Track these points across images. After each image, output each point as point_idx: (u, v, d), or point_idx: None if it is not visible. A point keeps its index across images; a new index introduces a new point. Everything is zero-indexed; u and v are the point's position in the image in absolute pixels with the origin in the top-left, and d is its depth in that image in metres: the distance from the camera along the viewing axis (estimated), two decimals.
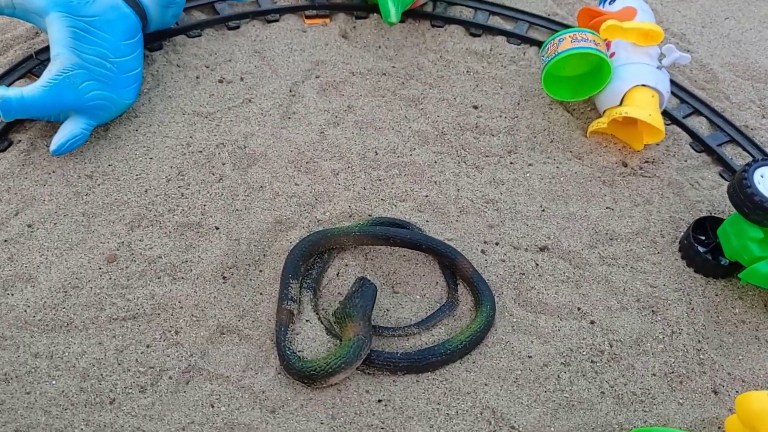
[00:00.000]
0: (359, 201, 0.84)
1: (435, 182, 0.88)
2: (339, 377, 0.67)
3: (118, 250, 0.76)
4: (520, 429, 0.67)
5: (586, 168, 0.92)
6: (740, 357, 0.76)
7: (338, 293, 0.76)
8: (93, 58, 0.83)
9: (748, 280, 0.76)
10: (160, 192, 0.82)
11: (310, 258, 0.77)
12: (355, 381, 0.69)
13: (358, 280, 0.73)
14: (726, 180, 0.94)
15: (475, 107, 0.98)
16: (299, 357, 0.68)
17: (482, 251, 0.81)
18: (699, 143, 0.98)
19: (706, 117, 1.02)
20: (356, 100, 0.96)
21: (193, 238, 0.78)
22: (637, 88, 0.92)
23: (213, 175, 0.85)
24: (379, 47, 1.05)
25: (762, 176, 0.75)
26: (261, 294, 0.75)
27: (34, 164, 0.83)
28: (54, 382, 0.66)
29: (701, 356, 0.75)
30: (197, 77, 0.96)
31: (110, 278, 0.74)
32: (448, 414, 0.68)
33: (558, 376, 0.72)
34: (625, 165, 0.94)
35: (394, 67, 1.02)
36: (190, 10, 1.04)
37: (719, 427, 0.69)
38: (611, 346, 0.75)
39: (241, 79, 0.97)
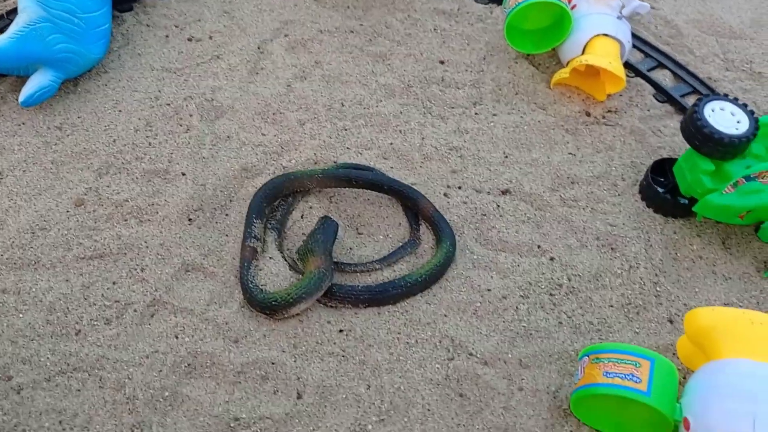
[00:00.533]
0: (325, 149, 0.86)
1: (400, 131, 0.90)
2: (300, 307, 0.68)
3: (85, 195, 0.78)
4: (478, 355, 0.69)
5: (549, 117, 0.94)
6: (697, 289, 0.78)
7: (302, 234, 0.77)
8: (60, 12, 0.84)
9: (702, 213, 0.78)
10: (128, 142, 0.83)
11: (275, 200, 0.79)
12: (317, 312, 0.70)
13: (320, 219, 0.75)
14: None
15: (442, 62, 1.00)
16: (261, 289, 0.69)
17: (445, 194, 0.83)
18: (662, 94, 1.00)
19: (670, 70, 1.04)
20: (324, 56, 0.98)
21: (160, 184, 0.80)
22: (598, 37, 0.94)
23: (180, 126, 0.86)
24: (348, 7, 1.06)
25: (713, 110, 0.77)
26: (226, 236, 0.76)
27: (4, 116, 0.84)
28: (21, 315, 0.67)
29: (658, 289, 0.77)
30: (166, 36, 0.98)
31: (78, 221, 0.75)
32: (407, 343, 0.69)
33: (516, 308, 0.73)
34: (588, 114, 0.95)
35: (362, 25, 1.03)
36: None
37: (674, 353, 0.71)
38: (570, 281, 0.76)
39: (210, 37, 0.98)
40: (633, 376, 0.60)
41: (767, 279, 0.78)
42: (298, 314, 0.69)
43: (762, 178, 0.74)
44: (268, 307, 0.68)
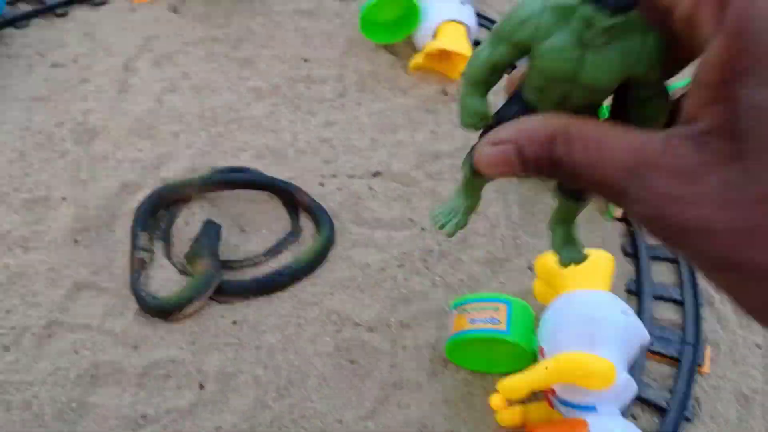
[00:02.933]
0: (201, 156, 0.90)
1: (272, 131, 0.95)
2: (193, 307, 0.73)
3: None
4: (363, 324, 0.76)
5: (410, 100, 1.02)
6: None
7: (188, 239, 0.82)
8: None
9: None
10: (3, 174, 0.85)
11: (157, 211, 0.83)
12: (210, 309, 0.76)
13: (203, 223, 0.80)
14: None
15: (306, 60, 1.06)
16: (153, 296, 0.74)
17: (320, 184, 0.90)
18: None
19: None
20: (191, 67, 1.02)
21: (41, 211, 0.82)
22: (446, 23, 1.03)
23: (55, 152, 0.88)
24: (210, 17, 1.10)
25: None
26: (114, 251, 0.80)
27: None
28: None
29: (517, 242, 0.86)
30: (29, 65, 0.99)
31: None
32: (298, 323, 0.76)
33: (394, 277, 0.81)
34: (446, 93, 1.04)
35: (225, 33, 1.08)
36: (15, 2, 1.06)
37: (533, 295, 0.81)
38: (440, 245, 0.85)
39: (75, 61, 1.00)
40: (493, 319, 0.69)
41: (608, 220, 0.90)
42: (192, 314, 0.74)
43: None
44: (162, 310, 0.73)
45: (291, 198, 0.86)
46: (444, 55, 1.05)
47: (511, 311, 0.69)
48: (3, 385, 0.67)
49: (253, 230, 0.85)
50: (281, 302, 0.77)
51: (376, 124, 0.98)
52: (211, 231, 0.79)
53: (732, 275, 0.22)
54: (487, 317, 0.69)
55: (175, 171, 0.88)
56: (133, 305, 0.75)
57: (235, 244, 0.82)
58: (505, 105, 0.31)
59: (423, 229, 0.86)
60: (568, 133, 0.25)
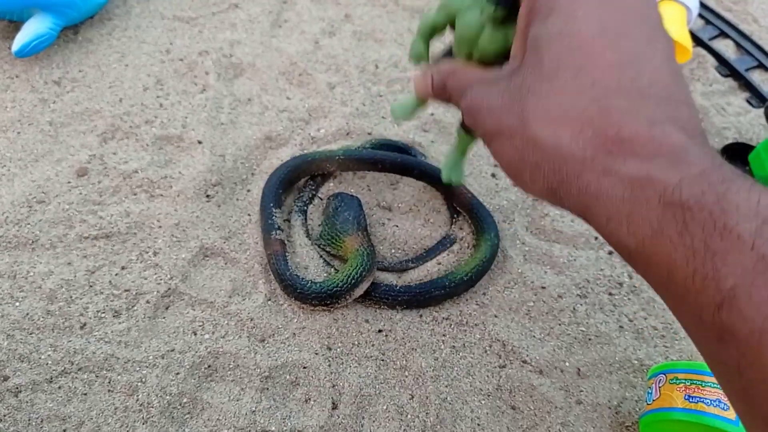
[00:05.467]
0: (357, 118, 0.76)
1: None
2: (362, 288, 0.60)
3: (89, 163, 0.68)
4: (533, 363, 0.61)
5: None
6: None
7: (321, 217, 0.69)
8: None
9: None
10: (136, 102, 0.74)
11: (292, 185, 0.69)
12: (353, 310, 0.63)
13: (333, 197, 0.66)
14: (754, 107, 0.86)
15: None
16: (311, 281, 0.61)
17: (492, 174, 0.74)
18: (725, 67, 0.91)
19: (732, 39, 0.94)
20: (354, 8, 0.87)
21: (173, 152, 0.70)
22: (665, 2, 0.84)
23: (195, 85, 0.76)
24: None
25: None
26: (249, 215, 0.68)
27: None
28: (18, 304, 0.59)
29: None
30: None
31: (80, 193, 0.66)
32: (453, 346, 0.62)
33: (573, 309, 0.66)
34: None
35: None
36: None
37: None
38: (630, 278, 0.69)
39: None
40: (720, 402, 0.53)
41: None
42: (332, 311, 0.61)
43: None
44: (329, 296, 0.60)
45: (446, 190, 0.71)
46: None
47: None
48: (109, 360, 0.57)
49: (399, 217, 0.70)
50: (434, 317, 0.63)
51: None
52: (351, 203, 0.65)
53: (498, 139, 0.37)
54: (712, 398, 0.53)
55: (326, 130, 0.74)
56: (265, 287, 0.63)
57: (377, 234, 0.69)
58: (442, 54, 0.47)
59: (611, 252, 0.70)
60: (453, 71, 0.41)
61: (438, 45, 0.45)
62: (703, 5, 0.96)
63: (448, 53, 0.46)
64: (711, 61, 0.91)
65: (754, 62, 0.91)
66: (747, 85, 0.89)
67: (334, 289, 0.60)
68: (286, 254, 0.63)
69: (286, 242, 0.64)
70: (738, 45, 0.94)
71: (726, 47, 0.93)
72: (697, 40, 0.93)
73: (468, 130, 0.52)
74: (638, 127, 0.32)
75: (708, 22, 0.96)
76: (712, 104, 0.85)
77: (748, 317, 0.28)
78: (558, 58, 0.35)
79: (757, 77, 0.90)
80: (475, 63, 0.42)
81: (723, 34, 0.95)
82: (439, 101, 0.43)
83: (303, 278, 0.61)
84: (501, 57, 0.42)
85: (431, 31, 0.47)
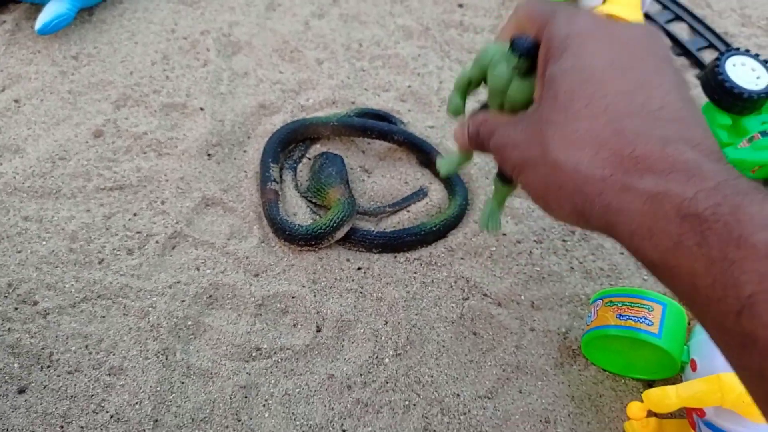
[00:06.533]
0: (342, 89, 0.85)
1: (418, 74, 0.89)
2: (342, 232, 0.70)
3: (104, 126, 0.77)
4: (491, 296, 0.71)
5: None
6: None
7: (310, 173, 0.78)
8: None
9: None
10: (145, 74, 0.83)
11: (289, 145, 0.79)
12: (336, 251, 0.72)
13: (319, 155, 0.76)
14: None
15: (460, 5, 0.99)
16: (299, 224, 0.70)
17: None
18: (679, 47, 1.00)
19: (687, 23, 1.03)
20: None
21: (178, 118, 0.80)
22: None
23: (198, 60, 0.86)
24: None
25: (734, 65, 0.77)
26: (245, 172, 0.77)
27: (20, 44, 0.83)
28: (44, 242, 0.68)
29: None
30: None
31: (97, 152, 0.75)
32: (423, 282, 0.71)
33: (530, 252, 0.75)
34: None
35: None
36: None
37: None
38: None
39: None
40: (645, 319, 0.62)
41: None
42: (317, 251, 0.71)
43: None
44: (314, 236, 0.69)
45: (425, 158, 0.80)
46: None
47: (666, 314, 0.62)
48: (124, 289, 0.66)
49: (378, 176, 0.80)
50: (407, 259, 0.73)
51: None
52: (335, 159, 0.75)
53: (525, 171, 0.39)
54: (639, 316, 0.62)
55: (314, 99, 0.84)
56: (258, 231, 0.72)
57: (357, 189, 0.78)
58: (479, 108, 0.49)
59: None
60: (485, 119, 0.44)
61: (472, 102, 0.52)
62: None
63: (484, 106, 0.49)
64: (666, 42, 1.00)
65: (705, 43, 1.01)
66: (698, 64, 0.98)
67: (318, 231, 0.69)
68: (279, 202, 0.72)
69: (278, 193, 0.73)
70: (691, 27, 1.03)
71: (681, 30, 1.02)
72: (654, 23, 1.02)
73: (504, 179, 0.55)
74: (652, 146, 0.34)
75: (665, 7, 1.05)
76: None
77: (766, 323, 0.28)
78: (571, 89, 0.37)
79: (707, 56, 0.99)
80: (507, 112, 0.45)
81: (678, 18, 1.04)
82: (477, 150, 0.47)
83: (292, 222, 0.70)
84: (529, 104, 0.45)
85: (466, 86, 0.50)
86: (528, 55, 0.42)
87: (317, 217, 0.73)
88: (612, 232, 0.36)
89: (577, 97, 0.37)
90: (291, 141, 0.79)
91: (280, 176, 0.76)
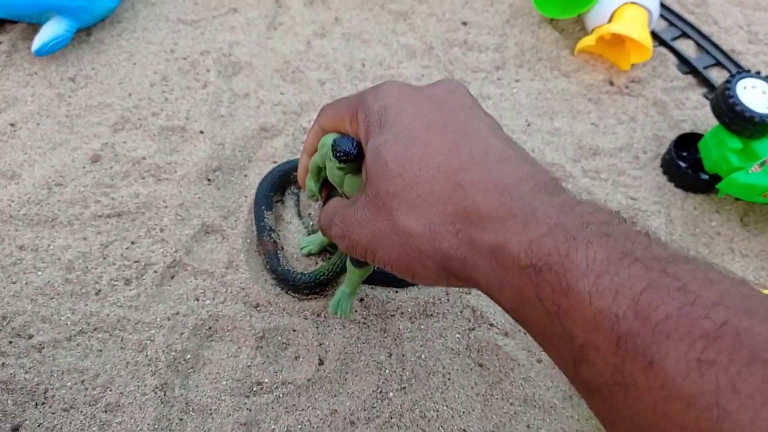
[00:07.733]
0: None
1: None
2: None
3: (101, 150, 0.76)
4: (498, 326, 0.69)
5: (572, 86, 0.93)
6: (714, 265, 0.77)
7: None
8: None
9: (725, 190, 0.77)
10: (143, 96, 0.81)
11: (283, 189, 0.75)
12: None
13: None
14: (709, 100, 0.94)
15: (464, 23, 0.97)
16: (301, 273, 0.68)
17: None
18: (685, 65, 0.98)
19: (693, 40, 1.02)
20: (344, 12, 0.95)
21: (177, 142, 0.78)
22: (627, 5, 0.91)
23: (197, 81, 0.84)
24: None
25: (744, 87, 0.75)
26: (245, 197, 0.75)
27: (16, 65, 0.82)
28: (39, 273, 0.66)
29: None
30: None
31: (94, 177, 0.74)
32: (428, 313, 0.69)
33: None
34: (612, 84, 0.94)
35: None
36: None
37: None
38: None
39: None
40: None
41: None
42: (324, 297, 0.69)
43: None
44: (317, 284, 0.67)
45: None
46: (617, 41, 0.95)
47: None
48: (121, 321, 0.64)
49: None
50: (412, 290, 0.71)
51: (533, 106, 0.89)
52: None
53: (379, 246, 0.39)
54: None
55: None
56: (259, 260, 0.70)
57: None
58: (333, 189, 0.52)
59: None
60: (334, 210, 0.45)
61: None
62: (666, 8, 1.04)
63: (335, 189, 0.51)
64: (672, 59, 0.98)
65: (713, 61, 0.99)
66: (705, 82, 0.96)
67: (321, 278, 0.67)
68: (278, 252, 0.69)
69: (278, 243, 0.70)
70: (698, 45, 1.01)
71: (687, 47, 1.00)
72: (660, 41, 1.00)
73: (357, 263, 0.56)
74: (489, 195, 0.35)
75: (671, 23, 1.03)
76: (672, 99, 0.93)
77: (599, 372, 0.29)
78: (400, 157, 0.38)
79: (714, 74, 0.98)
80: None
81: (684, 35, 1.02)
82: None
83: (294, 272, 0.67)
84: None
85: (318, 172, 0.52)
86: (349, 160, 0.43)
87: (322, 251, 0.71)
88: (475, 286, 0.36)
89: (407, 163, 0.37)
90: (284, 184, 0.75)
91: (282, 201, 0.74)
